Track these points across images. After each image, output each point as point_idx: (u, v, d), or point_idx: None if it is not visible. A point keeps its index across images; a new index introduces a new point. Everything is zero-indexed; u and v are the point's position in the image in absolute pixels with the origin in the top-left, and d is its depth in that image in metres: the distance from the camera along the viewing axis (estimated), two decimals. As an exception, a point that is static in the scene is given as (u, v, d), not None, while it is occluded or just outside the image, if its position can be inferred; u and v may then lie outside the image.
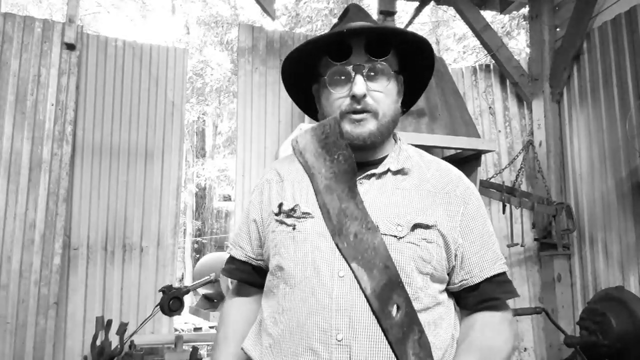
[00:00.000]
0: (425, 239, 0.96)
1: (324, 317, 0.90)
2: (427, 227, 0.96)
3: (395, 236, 0.94)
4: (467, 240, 1.00)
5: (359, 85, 0.96)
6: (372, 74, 0.99)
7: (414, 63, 1.09)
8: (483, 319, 1.01)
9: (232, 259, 1.18)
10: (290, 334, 0.93)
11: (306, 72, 1.09)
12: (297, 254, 0.96)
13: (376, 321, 0.90)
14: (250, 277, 1.15)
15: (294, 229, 0.98)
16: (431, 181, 1.03)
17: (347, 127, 1.00)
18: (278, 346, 0.95)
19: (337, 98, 1.01)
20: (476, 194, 1.06)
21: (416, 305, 0.92)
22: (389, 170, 1.02)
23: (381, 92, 0.99)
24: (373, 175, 1.02)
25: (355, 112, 0.98)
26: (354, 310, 0.90)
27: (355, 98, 0.97)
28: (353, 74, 0.98)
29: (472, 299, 1.02)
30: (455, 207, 1.00)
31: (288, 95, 1.20)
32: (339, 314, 0.90)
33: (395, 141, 1.10)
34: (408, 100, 1.15)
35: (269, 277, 1.04)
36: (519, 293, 1.07)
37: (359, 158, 1.04)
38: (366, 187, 1.01)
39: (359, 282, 0.91)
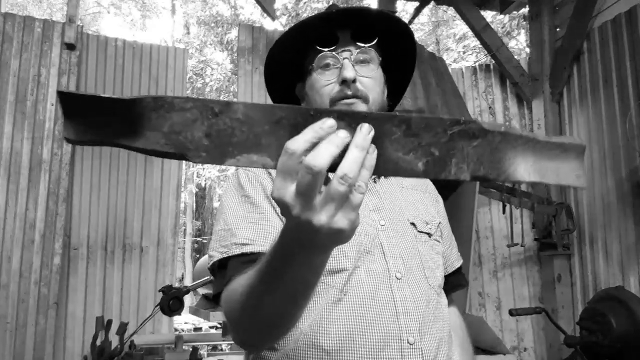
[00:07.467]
0: (441, 236, 1.02)
1: (390, 321, 0.86)
2: (439, 223, 1.02)
3: (428, 234, 0.97)
4: (444, 234, 1.07)
5: (349, 69, 0.92)
6: (361, 59, 0.95)
7: (395, 53, 1.04)
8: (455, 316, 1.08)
9: (248, 259, 0.83)
10: (352, 343, 0.84)
11: (291, 72, 1.04)
12: None
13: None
14: None
15: None
16: (413, 180, 1.06)
17: None
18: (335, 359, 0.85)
19: (325, 85, 0.94)
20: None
21: (441, 300, 0.96)
22: None
23: (370, 78, 0.95)
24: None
25: (347, 97, 0.93)
26: (419, 311, 0.88)
27: (345, 83, 0.92)
28: (341, 59, 0.94)
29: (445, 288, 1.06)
30: (438, 204, 1.08)
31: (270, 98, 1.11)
32: (406, 316, 0.87)
33: None
34: (393, 98, 1.10)
35: None
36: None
37: None
38: (385, 187, 1.01)
39: (415, 281, 0.91)
